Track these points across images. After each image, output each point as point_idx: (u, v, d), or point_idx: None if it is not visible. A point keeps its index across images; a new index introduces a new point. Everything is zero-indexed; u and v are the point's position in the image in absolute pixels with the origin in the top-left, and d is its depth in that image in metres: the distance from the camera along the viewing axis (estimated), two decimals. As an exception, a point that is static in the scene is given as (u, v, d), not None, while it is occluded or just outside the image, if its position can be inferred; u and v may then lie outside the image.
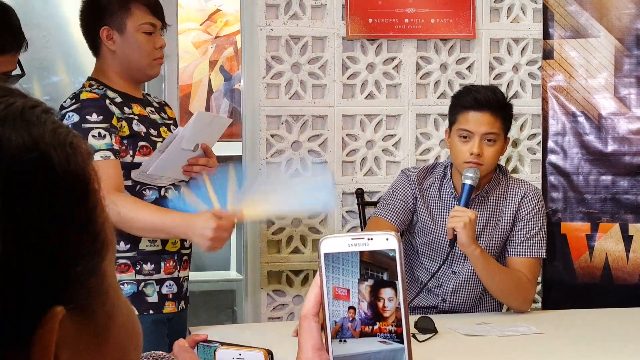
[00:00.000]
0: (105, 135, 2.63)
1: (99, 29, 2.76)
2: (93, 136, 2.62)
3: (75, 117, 2.64)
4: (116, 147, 2.65)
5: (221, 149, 4.52)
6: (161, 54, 2.82)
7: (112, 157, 2.63)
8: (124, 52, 2.76)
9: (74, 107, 2.66)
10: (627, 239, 3.67)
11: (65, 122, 2.62)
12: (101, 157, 2.59)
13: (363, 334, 0.90)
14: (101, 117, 2.65)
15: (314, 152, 3.60)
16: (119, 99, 2.74)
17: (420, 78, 3.72)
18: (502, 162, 3.69)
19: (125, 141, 2.69)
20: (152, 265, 2.75)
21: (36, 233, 0.56)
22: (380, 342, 0.89)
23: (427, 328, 2.62)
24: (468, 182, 2.90)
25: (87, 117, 2.64)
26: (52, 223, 0.58)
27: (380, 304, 0.89)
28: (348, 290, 0.90)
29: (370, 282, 0.89)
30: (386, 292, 0.89)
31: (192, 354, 1.45)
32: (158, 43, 2.79)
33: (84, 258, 0.60)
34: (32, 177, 0.57)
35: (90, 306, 0.62)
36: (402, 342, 0.89)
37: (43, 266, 0.57)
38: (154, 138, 2.76)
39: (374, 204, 3.48)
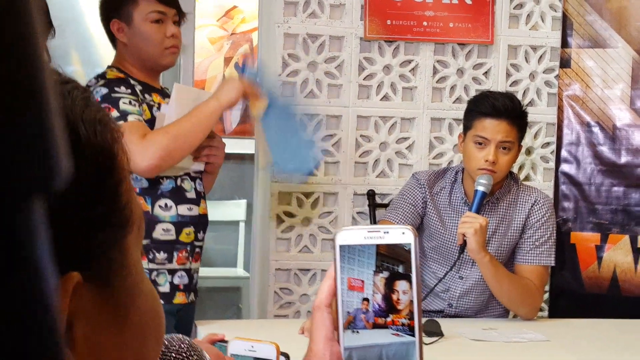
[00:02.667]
0: (135, 104, 2.66)
1: (110, 22, 2.78)
2: (124, 103, 2.64)
3: (104, 90, 2.67)
4: (144, 118, 2.68)
5: (234, 146, 4.54)
6: (174, 42, 2.79)
7: (144, 123, 2.66)
8: (134, 43, 2.77)
9: (101, 82, 2.70)
10: (636, 251, 3.66)
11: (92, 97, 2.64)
12: (134, 119, 2.63)
13: (376, 326, 0.90)
14: (130, 91, 2.69)
15: (327, 151, 3.60)
16: (139, 87, 2.76)
17: (437, 82, 3.71)
18: (515, 170, 3.68)
19: (147, 125, 2.71)
20: (165, 255, 2.76)
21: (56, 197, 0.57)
22: (393, 334, 0.89)
23: (433, 331, 2.62)
24: (481, 188, 2.90)
25: (116, 88, 2.68)
26: (74, 189, 0.57)
27: (394, 297, 0.89)
28: (363, 282, 0.90)
29: (386, 274, 0.89)
30: (401, 285, 0.89)
31: (207, 344, 1.45)
32: (169, 31, 2.77)
33: (106, 227, 0.60)
34: None
35: (111, 278, 0.61)
36: (414, 335, 0.89)
37: (63, 226, 0.56)
38: None
39: (385, 206, 3.47)
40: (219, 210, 5.35)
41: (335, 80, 3.62)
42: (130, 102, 2.65)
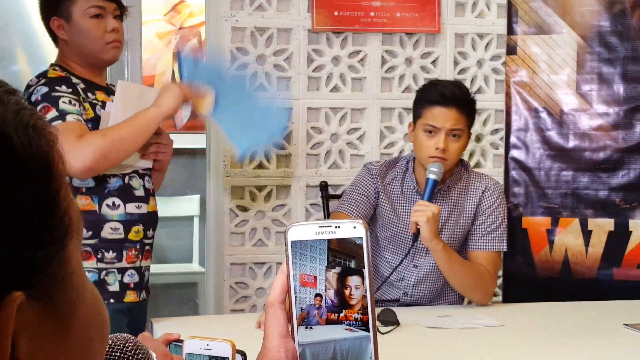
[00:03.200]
0: (75, 104, 2.63)
1: (50, 20, 2.75)
2: (64, 102, 2.61)
3: (44, 89, 2.63)
4: (85, 117, 2.65)
5: (184, 141, 4.52)
6: (115, 36, 2.76)
7: (83, 122, 2.63)
8: (75, 39, 2.74)
9: (42, 82, 2.66)
10: (587, 234, 3.71)
11: (34, 96, 2.62)
12: (73, 119, 2.59)
13: (329, 322, 0.90)
14: (70, 90, 2.66)
15: (278, 144, 3.59)
16: (82, 85, 2.73)
17: (385, 72, 3.73)
18: (465, 157, 3.71)
19: (90, 125, 2.67)
20: (114, 254, 2.73)
21: None
22: (346, 329, 0.89)
23: (389, 320, 2.63)
24: (432, 176, 2.92)
25: (57, 87, 2.64)
26: (11, 207, 0.56)
27: (347, 292, 0.89)
28: (315, 278, 0.90)
29: (338, 269, 0.89)
30: (353, 280, 0.89)
31: (156, 342, 1.45)
32: (109, 26, 2.74)
33: (45, 243, 0.59)
34: None
35: (52, 293, 0.60)
36: (367, 330, 0.89)
37: (2, 249, 0.55)
38: None
39: (338, 197, 3.48)
40: (172, 206, 5.32)
41: (284, 72, 3.62)
42: (70, 102, 2.62)
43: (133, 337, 1.08)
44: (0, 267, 0.55)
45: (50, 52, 2.87)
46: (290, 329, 0.93)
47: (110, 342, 1.06)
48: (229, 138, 2.99)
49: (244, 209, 3.60)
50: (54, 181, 0.60)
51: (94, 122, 2.69)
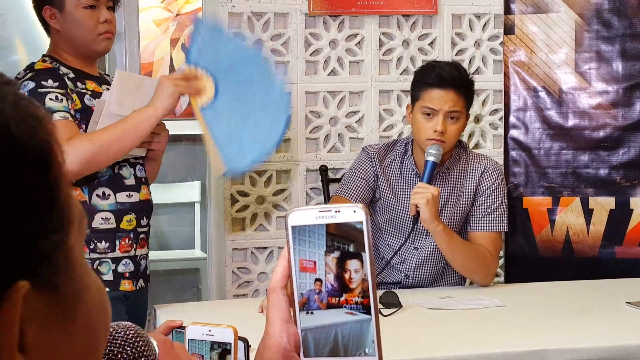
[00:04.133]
0: (62, 100, 2.62)
1: (42, 10, 2.74)
2: (50, 99, 2.59)
3: (31, 84, 2.62)
4: (72, 112, 2.63)
5: (184, 128, 4.51)
6: (107, 27, 2.74)
7: (70, 119, 2.61)
8: (67, 29, 2.73)
9: (29, 75, 2.65)
10: (588, 213, 3.71)
11: (21, 90, 2.60)
12: (60, 117, 2.58)
13: (330, 306, 0.90)
14: (57, 84, 2.64)
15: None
16: (72, 75, 2.72)
17: (383, 54, 3.72)
18: (465, 138, 3.71)
19: (78, 115, 2.67)
20: (107, 244, 2.72)
21: None
22: (347, 313, 0.90)
23: (391, 303, 2.64)
24: (431, 158, 2.92)
25: (43, 82, 2.63)
26: (14, 196, 0.57)
27: (346, 276, 0.89)
28: (315, 263, 0.90)
29: (337, 254, 0.89)
30: (352, 264, 0.89)
31: (158, 334, 1.45)
32: (102, 17, 2.72)
33: (47, 232, 0.59)
34: None
35: (56, 282, 0.61)
36: (368, 313, 0.89)
37: (5, 239, 0.56)
38: None
39: (338, 180, 3.48)
40: (173, 193, 5.34)
41: (282, 57, 3.61)
42: (56, 98, 2.60)
43: (134, 325, 1.08)
44: (5, 256, 0.56)
45: (48, 42, 2.86)
46: (292, 314, 0.93)
47: (111, 329, 1.06)
48: (215, 150, 2.82)
49: (245, 194, 3.60)
50: (54, 170, 0.61)
51: (82, 112, 2.68)
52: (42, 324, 0.60)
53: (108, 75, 2.92)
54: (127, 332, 1.06)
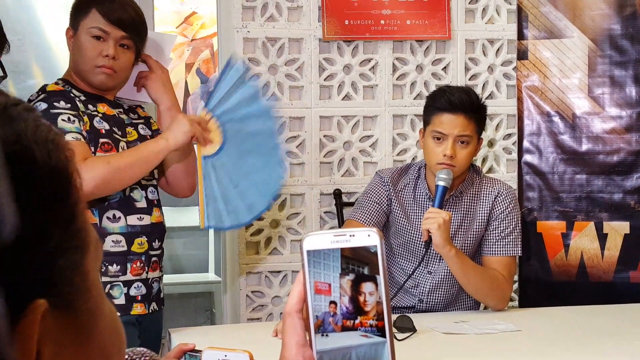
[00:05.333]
0: (74, 121, 2.62)
1: (67, 29, 2.78)
2: (63, 120, 2.60)
3: (43, 105, 2.63)
4: (84, 134, 2.65)
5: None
6: (107, 62, 2.69)
7: (83, 140, 2.63)
8: (73, 53, 2.75)
9: (41, 97, 2.67)
10: (602, 237, 3.71)
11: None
12: (72, 138, 2.58)
13: (345, 328, 0.91)
14: (69, 105, 2.65)
15: (291, 153, 3.61)
16: (83, 97, 2.72)
17: (397, 79, 3.74)
18: (479, 162, 3.72)
19: (87, 136, 2.68)
20: (118, 267, 2.71)
21: (19, 225, 0.57)
22: (361, 335, 0.90)
23: (405, 327, 2.64)
24: (441, 183, 2.92)
25: (55, 103, 2.64)
26: (35, 216, 0.58)
27: (361, 298, 0.90)
28: (329, 285, 0.91)
29: (352, 276, 0.90)
30: (367, 287, 0.90)
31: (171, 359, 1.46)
32: (105, 51, 2.68)
33: (65, 252, 0.61)
34: (14, 170, 0.58)
35: (73, 302, 0.62)
36: (383, 335, 0.90)
37: (25, 258, 0.57)
38: (117, 136, 2.74)
39: (352, 204, 3.49)
40: (187, 216, 5.34)
41: (296, 82, 3.64)
42: (69, 119, 2.61)
43: (149, 351, 1.09)
44: (24, 275, 0.57)
45: (65, 67, 2.89)
46: (308, 338, 0.94)
47: (127, 356, 1.07)
48: (202, 203, 2.83)
49: (259, 218, 3.61)
50: (72, 193, 0.63)
51: (91, 134, 2.68)
52: (58, 344, 0.61)
53: (119, 100, 2.90)
54: (144, 358, 1.07)
